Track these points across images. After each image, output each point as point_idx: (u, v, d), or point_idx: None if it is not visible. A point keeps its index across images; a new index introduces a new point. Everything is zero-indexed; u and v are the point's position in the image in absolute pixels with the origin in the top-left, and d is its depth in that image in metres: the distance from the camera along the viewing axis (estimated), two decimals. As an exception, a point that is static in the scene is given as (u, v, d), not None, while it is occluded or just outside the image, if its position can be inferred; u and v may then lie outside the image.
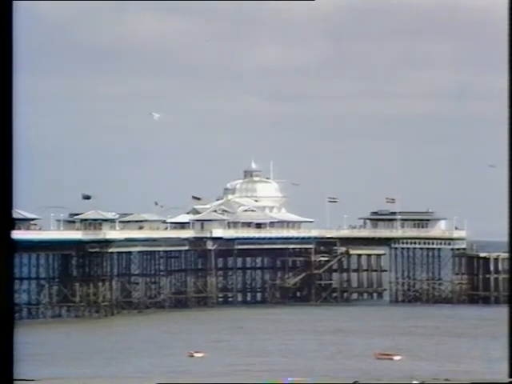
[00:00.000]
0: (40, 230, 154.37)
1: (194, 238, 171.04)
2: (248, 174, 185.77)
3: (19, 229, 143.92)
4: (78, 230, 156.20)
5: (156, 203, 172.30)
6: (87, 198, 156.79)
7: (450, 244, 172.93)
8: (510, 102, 15.66)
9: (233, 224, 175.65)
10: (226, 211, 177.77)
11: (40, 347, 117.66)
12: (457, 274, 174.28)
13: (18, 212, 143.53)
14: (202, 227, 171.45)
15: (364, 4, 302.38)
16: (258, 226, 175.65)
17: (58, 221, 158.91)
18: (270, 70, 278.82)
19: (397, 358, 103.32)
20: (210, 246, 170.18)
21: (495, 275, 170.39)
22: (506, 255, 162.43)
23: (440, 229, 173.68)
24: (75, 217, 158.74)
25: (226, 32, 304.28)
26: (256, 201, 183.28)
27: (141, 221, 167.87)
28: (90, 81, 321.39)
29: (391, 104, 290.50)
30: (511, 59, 15.71)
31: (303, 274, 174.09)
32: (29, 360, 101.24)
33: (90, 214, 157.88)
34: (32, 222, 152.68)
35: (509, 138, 16.18)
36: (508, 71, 15.42)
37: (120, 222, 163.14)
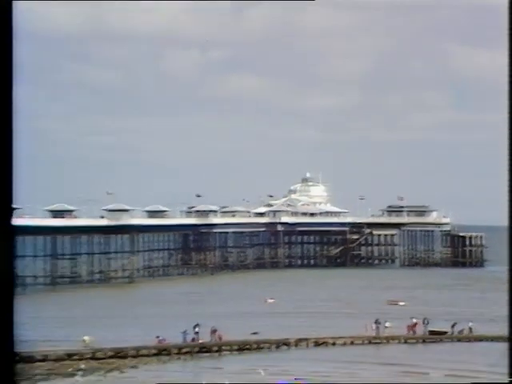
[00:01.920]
0: (169, 218, 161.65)
1: (269, 223, 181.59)
2: (304, 180, 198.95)
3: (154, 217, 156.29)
4: (194, 218, 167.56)
5: (243, 199, 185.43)
6: (198, 195, 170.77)
7: (439, 227, 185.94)
8: (510, 101, 11.97)
9: (294, 213, 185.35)
10: (289, 205, 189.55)
11: (173, 292, 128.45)
12: (444, 247, 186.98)
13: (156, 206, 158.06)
14: (274, 215, 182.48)
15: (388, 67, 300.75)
16: (312, 214, 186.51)
17: (182, 211, 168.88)
18: (323, 109, 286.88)
19: (402, 303, 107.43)
20: (279, 228, 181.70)
21: (469, 248, 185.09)
22: (477, 234, 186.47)
23: (433, 217, 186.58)
24: (192, 209, 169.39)
25: (292, 84, 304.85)
26: (310, 198, 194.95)
27: (234, 211, 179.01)
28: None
29: (402, 134, 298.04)
30: (511, 59, 11.91)
31: (341, 247, 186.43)
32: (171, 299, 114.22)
33: (202, 207, 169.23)
34: (164, 214, 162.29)
35: (509, 137, 12.02)
36: (508, 71, 11.74)
37: (220, 212, 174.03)
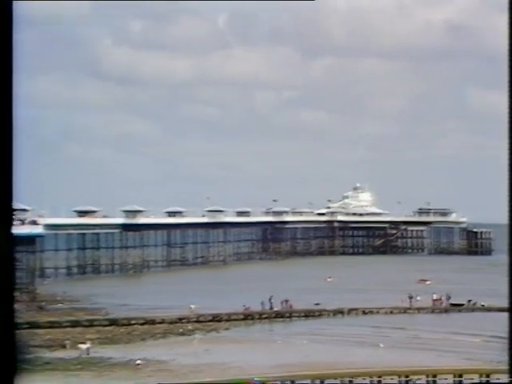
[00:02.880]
0: (253, 217, 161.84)
1: (328, 220, 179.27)
2: (355, 189, 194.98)
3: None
4: (271, 216, 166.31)
5: (309, 203, 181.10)
6: (275, 200, 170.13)
7: (457, 225, 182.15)
8: (510, 102, 5.17)
9: (347, 214, 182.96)
10: (343, 207, 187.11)
11: (255, 272, 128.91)
12: (461, 239, 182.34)
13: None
14: (332, 215, 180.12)
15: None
16: (360, 214, 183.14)
17: (262, 212, 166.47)
18: (370, 135, 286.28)
19: (428, 282, 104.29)
20: (335, 224, 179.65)
21: (480, 240, 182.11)
22: (486, 230, 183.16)
23: (453, 217, 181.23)
24: (270, 210, 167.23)
25: (346, 116, 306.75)
26: (359, 202, 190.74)
27: (301, 212, 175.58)
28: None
29: (429, 154, 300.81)
30: (511, 61, 5.25)
31: (383, 239, 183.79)
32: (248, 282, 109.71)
33: (277, 209, 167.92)
34: (249, 213, 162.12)
35: (509, 136, 5.05)
36: (508, 72, 5.21)
37: (291, 212, 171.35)
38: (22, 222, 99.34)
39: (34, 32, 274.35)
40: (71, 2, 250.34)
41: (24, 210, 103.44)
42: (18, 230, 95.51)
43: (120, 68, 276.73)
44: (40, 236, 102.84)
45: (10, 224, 3.90)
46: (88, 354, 57.71)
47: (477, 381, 47.85)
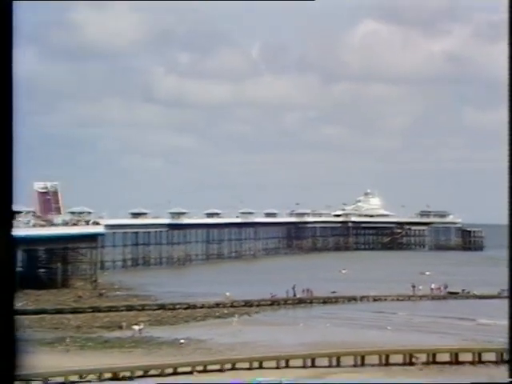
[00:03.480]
0: (278, 218, 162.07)
1: (343, 221, 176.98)
2: (366, 194, 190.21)
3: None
4: (294, 217, 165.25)
5: (327, 206, 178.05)
6: (297, 203, 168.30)
7: (454, 225, 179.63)
8: (510, 101, 5.09)
9: (359, 215, 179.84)
10: (356, 210, 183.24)
11: (280, 264, 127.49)
12: (456, 237, 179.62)
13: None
14: (346, 216, 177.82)
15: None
16: (370, 216, 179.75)
17: (287, 213, 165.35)
18: (379, 148, 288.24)
19: (428, 273, 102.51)
20: (349, 224, 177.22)
21: (473, 238, 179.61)
22: (478, 229, 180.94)
23: (450, 218, 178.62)
24: (293, 212, 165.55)
25: (359, 132, 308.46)
26: (369, 205, 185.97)
27: (320, 213, 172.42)
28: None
29: (431, 164, 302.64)
30: (511, 60, 5.26)
31: (390, 237, 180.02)
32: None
33: (300, 211, 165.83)
34: (276, 214, 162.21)
35: (509, 138, 4.97)
36: (508, 71, 5.17)
37: (311, 214, 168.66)
38: (87, 223, 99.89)
39: (101, 63, 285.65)
40: (130, 36, 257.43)
41: (88, 212, 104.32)
42: (83, 229, 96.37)
43: (170, 93, 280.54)
44: (101, 234, 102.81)
45: (10, 226, 3.50)
46: (140, 333, 57.96)
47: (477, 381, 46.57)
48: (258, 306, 75.28)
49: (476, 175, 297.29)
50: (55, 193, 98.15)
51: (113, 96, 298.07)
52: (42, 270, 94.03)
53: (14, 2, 3.73)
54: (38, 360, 44.50)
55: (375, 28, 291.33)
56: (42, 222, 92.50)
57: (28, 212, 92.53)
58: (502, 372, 42.89)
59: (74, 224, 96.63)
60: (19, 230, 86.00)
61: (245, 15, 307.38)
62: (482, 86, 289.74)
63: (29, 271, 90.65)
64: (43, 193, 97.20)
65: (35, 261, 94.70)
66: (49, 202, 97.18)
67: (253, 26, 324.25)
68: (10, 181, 3.36)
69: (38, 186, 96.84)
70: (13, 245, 3.44)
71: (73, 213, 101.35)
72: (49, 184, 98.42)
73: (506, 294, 70.06)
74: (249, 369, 44.61)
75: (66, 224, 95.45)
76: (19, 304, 71.56)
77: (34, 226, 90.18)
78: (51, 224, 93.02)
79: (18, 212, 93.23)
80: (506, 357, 44.60)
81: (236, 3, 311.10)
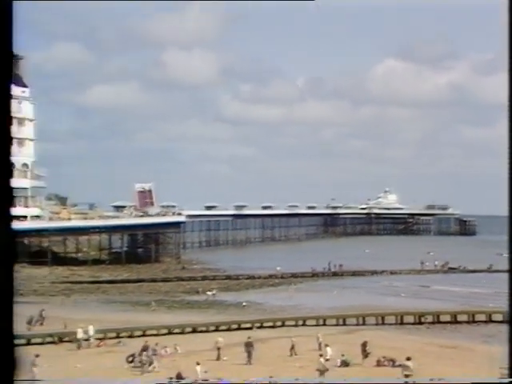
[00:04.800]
0: (316, 210, 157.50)
1: (367, 212, 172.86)
2: (385, 192, 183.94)
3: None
4: (329, 209, 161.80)
5: (355, 201, 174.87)
6: (333, 199, 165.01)
7: (453, 215, 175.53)
8: (510, 101, 2.95)
9: (380, 208, 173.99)
10: (377, 204, 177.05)
11: (317, 246, 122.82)
12: (455, 225, 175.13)
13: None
14: (370, 209, 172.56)
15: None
16: (388, 209, 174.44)
17: (324, 206, 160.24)
18: (395, 157, 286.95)
19: (432, 253, 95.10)
20: (372, 215, 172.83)
21: (468, 226, 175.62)
22: (472, 219, 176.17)
23: (450, 210, 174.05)
24: (329, 205, 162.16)
25: (377, 144, 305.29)
26: (387, 200, 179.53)
27: (349, 206, 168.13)
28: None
29: (436, 168, 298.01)
30: (511, 65, 3.06)
31: (404, 225, 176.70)
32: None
33: (334, 204, 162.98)
34: (314, 207, 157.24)
35: (509, 136, 2.88)
36: (508, 73, 2.98)
37: (343, 206, 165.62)
38: (173, 214, 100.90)
39: (184, 93, 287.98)
40: (205, 72, 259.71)
41: (173, 206, 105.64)
42: (169, 218, 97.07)
43: (235, 114, 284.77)
44: (183, 222, 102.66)
45: (9, 220, 2.73)
46: (213, 297, 57.91)
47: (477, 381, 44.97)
48: (301, 277, 74.54)
49: (470, 177, 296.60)
50: (150, 191, 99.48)
51: (191, 117, 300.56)
52: (141, 249, 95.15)
53: (14, 2, 3.01)
54: (137, 316, 45.95)
55: (394, 64, 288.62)
56: (141, 213, 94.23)
57: (130, 206, 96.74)
58: (490, 329, 42.46)
59: (163, 214, 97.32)
60: (124, 220, 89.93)
61: (291, 54, 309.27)
62: (476, 109, 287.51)
63: (131, 250, 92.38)
64: (141, 192, 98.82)
65: (135, 242, 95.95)
66: (145, 198, 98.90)
67: (298, 62, 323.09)
68: (8, 181, 2.68)
69: (138, 186, 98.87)
70: (13, 238, 2.70)
71: (162, 206, 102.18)
72: (145, 185, 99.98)
73: (493, 268, 73.88)
74: (295, 325, 43.88)
75: (157, 215, 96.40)
76: (125, 275, 74.25)
77: (135, 216, 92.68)
78: (147, 215, 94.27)
79: (123, 206, 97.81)
80: (494, 318, 45.12)
81: (283, 45, 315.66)
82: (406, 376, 26.67)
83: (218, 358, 32.42)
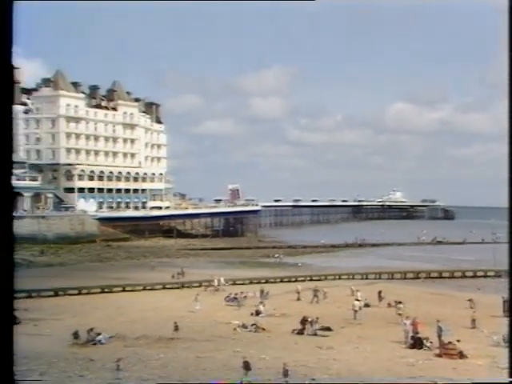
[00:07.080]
0: (346, 203, 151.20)
1: (382, 204, 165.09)
2: (393, 191, 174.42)
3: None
4: (355, 202, 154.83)
5: (373, 196, 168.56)
6: (358, 195, 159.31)
7: (439, 206, 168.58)
8: (510, 97, 4.17)
9: (390, 201, 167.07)
10: (388, 199, 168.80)
11: (347, 226, 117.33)
12: (441, 213, 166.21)
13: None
14: (383, 202, 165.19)
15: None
16: (396, 202, 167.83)
17: (353, 200, 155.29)
18: (403, 167, 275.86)
19: (424, 231, 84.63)
20: (385, 207, 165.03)
21: (449, 213, 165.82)
22: (451, 208, 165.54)
23: (437, 203, 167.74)
24: (356, 199, 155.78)
25: (391, 159, 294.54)
26: (395, 196, 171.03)
27: (371, 200, 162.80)
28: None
29: (433, 174, 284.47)
30: (511, 63, 4.09)
31: (406, 213, 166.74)
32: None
33: (359, 198, 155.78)
34: (345, 201, 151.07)
35: (509, 136, 4.30)
36: (508, 72, 4.06)
37: (366, 200, 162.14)
38: (252, 205, 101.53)
39: (261, 126, 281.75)
40: (277, 110, 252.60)
41: (252, 199, 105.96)
42: (250, 208, 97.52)
43: (295, 139, 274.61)
44: (259, 210, 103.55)
45: (11, 219, 1.96)
46: (280, 260, 57.15)
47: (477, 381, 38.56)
48: (338, 247, 72.91)
49: (452, 181, 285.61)
50: (238, 190, 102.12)
51: (267, 141, 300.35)
52: (231, 228, 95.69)
53: (14, 2, 2.32)
54: (229, 272, 45.35)
55: (402, 106, 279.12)
56: (231, 204, 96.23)
57: (225, 200, 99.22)
58: (464, 282, 40.71)
59: (246, 205, 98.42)
60: (221, 208, 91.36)
61: (326, 96, 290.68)
62: (458, 136, 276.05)
63: (225, 228, 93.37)
64: (232, 190, 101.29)
65: (228, 223, 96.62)
66: (234, 194, 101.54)
67: (339, 100, 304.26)
68: (9, 181, 1.98)
69: (230, 187, 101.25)
70: (13, 244, 1.88)
71: (246, 200, 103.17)
72: (235, 186, 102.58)
73: (466, 241, 72.10)
74: (333, 279, 42.99)
75: (242, 205, 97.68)
76: (221, 244, 73.53)
77: (228, 206, 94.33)
78: (235, 205, 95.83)
79: (221, 200, 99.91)
80: (467, 274, 43.33)
81: (330, 91, 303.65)
82: (399, 315, 25.76)
83: (299, 299, 32.47)
